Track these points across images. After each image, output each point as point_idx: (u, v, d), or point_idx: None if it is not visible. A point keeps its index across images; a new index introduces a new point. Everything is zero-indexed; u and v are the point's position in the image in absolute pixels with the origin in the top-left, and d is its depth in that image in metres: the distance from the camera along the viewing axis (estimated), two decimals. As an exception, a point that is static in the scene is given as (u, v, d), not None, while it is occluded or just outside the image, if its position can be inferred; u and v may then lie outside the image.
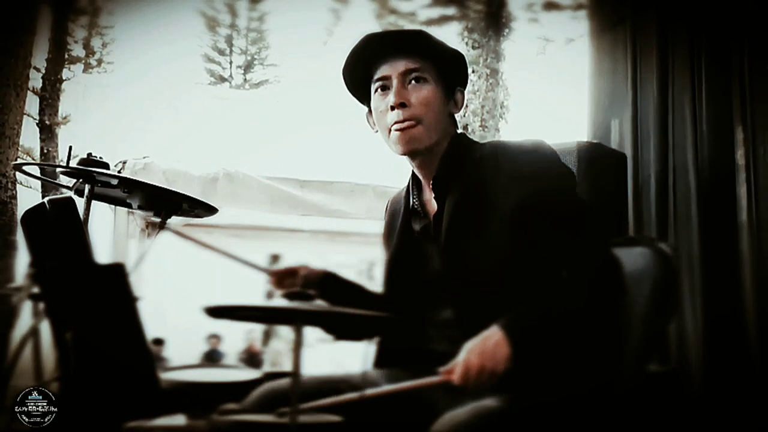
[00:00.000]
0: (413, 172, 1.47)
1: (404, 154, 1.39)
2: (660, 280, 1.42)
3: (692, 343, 2.15)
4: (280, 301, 1.14)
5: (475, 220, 1.32)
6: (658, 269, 1.43)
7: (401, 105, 1.35)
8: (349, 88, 1.48)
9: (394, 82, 1.37)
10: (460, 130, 1.46)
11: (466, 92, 1.48)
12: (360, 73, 1.43)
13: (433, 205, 1.42)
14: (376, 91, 1.40)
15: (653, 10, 2.50)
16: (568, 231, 1.28)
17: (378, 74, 1.39)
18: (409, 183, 1.49)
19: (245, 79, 21.37)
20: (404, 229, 1.46)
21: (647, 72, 2.49)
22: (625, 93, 2.57)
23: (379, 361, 1.45)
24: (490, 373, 1.16)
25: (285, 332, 7.66)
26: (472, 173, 1.36)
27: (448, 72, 1.41)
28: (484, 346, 1.17)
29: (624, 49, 2.61)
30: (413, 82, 1.37)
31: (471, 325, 1.23)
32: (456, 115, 1.45)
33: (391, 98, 1.36)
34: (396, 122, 1.36)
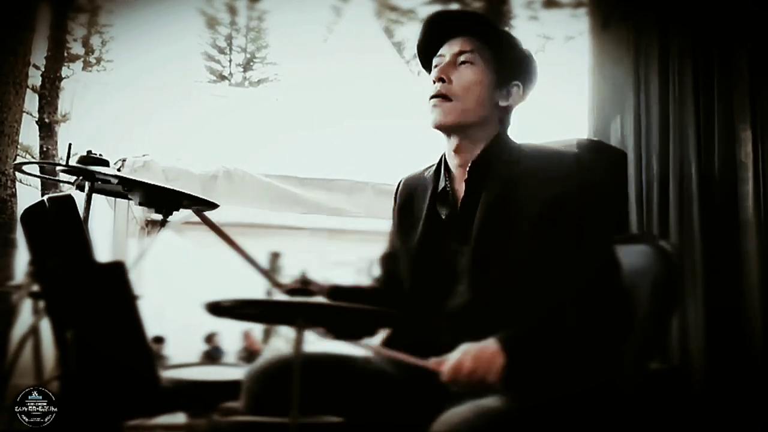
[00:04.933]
0: (444, 156, 1.47)
1: (435, 127, 1.42)
2: (661, 277, 1.42)
3: (694, 340, 2.14)
4: (281, 297, 1.14)
5: (508, 217, 1.33)
6: (660, 267, 1.43)
7: (440, 79, 1.39)
8: (423, 66, 1.51)
9: (447, 59, 1.42)
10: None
11: None
12: (428, 50, 1.48)
13: (461, 193, 1.42)
14: (435, 66, 1.45)
15: (654, 7, 2.49)
16: (581, 249, 1.29)
17: (439, 52, 1.45)
18: (439, 166, 1.48)
19: (245, 78, 21.35)
20: (431, 212, 1.45)
21: (649, 69, 2.48)
22: (626, 90, 2.56)
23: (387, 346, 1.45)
24: (479, 379, 1.18)
25: (285, 330, 7.66)
26: (510, 170, 1.37)
27: (505, 62, 1.43)
28: (481, 352, 1.19)
29: (625, 46, 2.60)
30: (463, 63, 1.41)
31: (487, 316, 1.24)
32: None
33: (435, 72, 1.41)
34: (432, 95, 1.40)
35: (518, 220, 1.31)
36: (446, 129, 1.41)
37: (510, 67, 1.43)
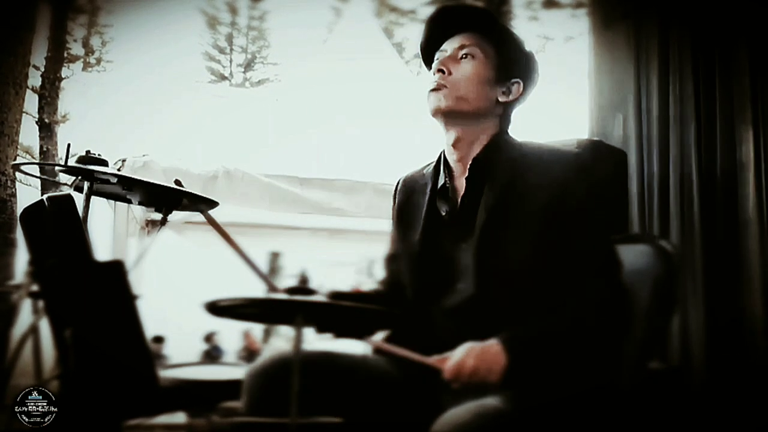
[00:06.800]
0: (443, 153, 1.47)
1: (432, 115, 1.42)
2: (661, 277, 1.42)
3: (694, 340, 2.14)
4: (281, 296, 1.14)
5: (510, 213, 1.33)
6: (660, 267, 1.43)
7: (440, 71, 1.40)
8: (426, 64, 1.51)
9: (449, 53, 1.43)
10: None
11: None
12: (432, 47, 1.48)
13: (462, 189, 1.41)
14: (437, 60, 1.45)
15: (655, 6, 2.49)
16: (583, 246, 1.30)
17: (441, 48, 1.46)
18: (438, 163, 1.48)
19: (245, 78, 21.34)
20: (431, 209, 1.45)
21: (649, 69, 2.48)
22: (626, 90, 2.55)
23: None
24: (481, 378, 1.18)
25: (285, 330, 7.66)
26: (512, 167, 1.37)
27: (507, 59, 1.43)
28: (484, 352, 1.20)
29: (625, 46, 2.59)
30: (464, 57, 1.41)
31: (489, 313, 1.24)
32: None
33: (435, 64, 1.42)
34: (431, 87, 1.40)
35: (521, 217, 1.31)
36: (443, 115, 1.41)
37: (511, 63, 1.43)
